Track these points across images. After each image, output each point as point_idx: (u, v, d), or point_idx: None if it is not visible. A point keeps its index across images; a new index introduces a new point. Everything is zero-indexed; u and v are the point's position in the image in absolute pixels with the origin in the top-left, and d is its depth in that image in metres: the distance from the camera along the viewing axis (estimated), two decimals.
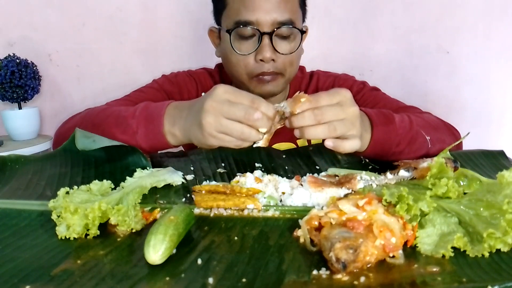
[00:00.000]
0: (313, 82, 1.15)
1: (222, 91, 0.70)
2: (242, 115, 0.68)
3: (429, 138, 0.85)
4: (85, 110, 1.00)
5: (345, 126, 0.69)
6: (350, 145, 0.71)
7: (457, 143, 0.87)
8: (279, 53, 0.96)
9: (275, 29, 0.94)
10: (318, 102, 0.68)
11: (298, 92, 0.70)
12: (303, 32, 0.98)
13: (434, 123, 0.96)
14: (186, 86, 1.13)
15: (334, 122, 0.68)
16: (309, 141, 1.11)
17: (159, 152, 0.94)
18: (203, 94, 0.84)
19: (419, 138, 0.85)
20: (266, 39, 0.94)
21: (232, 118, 0.69)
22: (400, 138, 0.81)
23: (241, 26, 0.95)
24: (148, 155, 0.88)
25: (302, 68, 1.18)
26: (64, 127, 1.00)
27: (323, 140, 0.87)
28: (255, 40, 0.96)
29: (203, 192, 0.67)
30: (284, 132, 1.10)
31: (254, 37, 0.96)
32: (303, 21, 1.07)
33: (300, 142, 1.11)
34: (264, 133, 0.71)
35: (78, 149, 0.86)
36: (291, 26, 0.96)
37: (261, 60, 0.95)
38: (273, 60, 0.96)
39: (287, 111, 0.69)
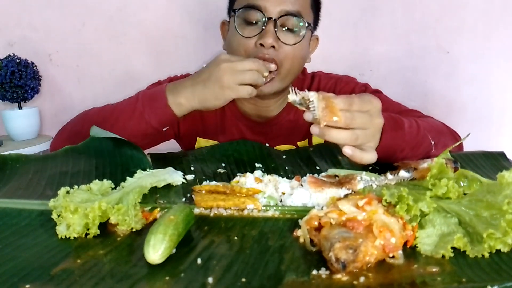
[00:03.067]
0: (315, 84, 1.14)
1: (226, 56, 0.88)
2: (253, 66, 0.86)
3: (433, 143, 0.85)
4: (76, 117, 1.04)
5: (366, 136, 0.67)
6: (368, 157, 0.69)
7: (457, 144, 0.87)
8: (281, 41, 0.95)
9: (281, 16, 0.94)
10: (351, 106, 0.65)
11: (332, 94, 0.65)
12: (309, 24, 0.97)
13: (438, 128, 0.95)
14: None
15: (357, 131, 0.66)
16: (309, 143, 1.11)
17: (159, 152, 0.94)
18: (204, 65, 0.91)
19: (424, 143, 0.84)
20: (270, 25, 0.93)
21: (246, 69, 0.85)
22: (406, 144, 0.80)
23: (247, 8, 0.95)
24: (149, 155, 0.89)
25: (303, 70, 1.17)
26: (61, 138, 1.03)
27: (324, 141, 0.85)
28: (260, 26, 0.95)
29: (203, 192, 0.67)
30: (285, 135, 1.11)
31: (259, 23, 0.95)
32: (315, 28, 1.07)
33: (301, 145, 1.11)
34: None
35: (79, 150, 0.87)
36: (299, 17, 0.95)
37: (261, 45, 0.94)
38: (273, 47, 0.94)
39: (313, 105, 0.63)
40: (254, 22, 0.95)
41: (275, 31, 0.94)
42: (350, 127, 0.65)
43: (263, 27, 0.94)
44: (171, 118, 0.90)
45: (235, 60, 0.86)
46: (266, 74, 0.89)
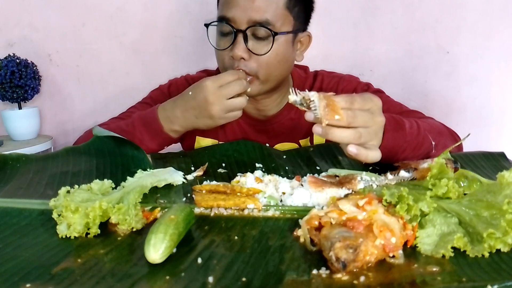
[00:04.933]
0: (317, 83, 1.14)
1: (210, 83, 0.88)
2: (240, 89, 0.89)
3: (434, 143, 0.85)
4: (82, 136, 1.08)
5: (369, 134, 0.67)
6: (373, 156, 0.69)
7: (457, 144, 0.87)
8: (252, 52, 0.94)
9: (248, 28, 0.93)
10: (352, 104, 0.65)
11: (332, 93, 0.65)
12: (275, 34, 0.94)
13: (438, 128, 0.95)
14: None
15: (360, 129, 0.65)
16: (311, 143, 1.11)
17: (160, 152, 0.95)
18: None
19: (425, 144, 0.84)
20: (239, 37, 0.93)
21: (233, 95, 0.88)
22: (407, 144, 0.80)
23: (219, 21, 0.96)
24: (149, 155, 0.89)
25: (305, 68, 1.17)
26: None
27: (326, 141, 0.84)
28: (232, 37, 0.94)
29: (204, 191, 0.67)
30: (287, 133, 1.11)
31: (232, 34, 0.94)
32: (305, 26, 1.05)
33: (303, 143, 1.11)
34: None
35: (80, 150, 0.87)
36: (264, 27, 0.93)
37: (232, 57, 0.95)
38: (243, 58, 0.94)
39: (314, 104, 0.63)
40: (227, 33, 0.96)
41: (245, 42, 0.93)
42: (352, 125, 0.64)
43: (234, 39, 0.94)
44: (169, 141, 0.98)
45: (220, 83, 0.88)
46: (249, 90, 0.92)
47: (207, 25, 0.98)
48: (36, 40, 1.87)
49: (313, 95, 0.63)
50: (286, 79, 1.07)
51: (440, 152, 0.84)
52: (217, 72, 1.17)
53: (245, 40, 0.93)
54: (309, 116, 0.64)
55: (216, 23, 0.97)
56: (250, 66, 0.95)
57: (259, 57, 0.94)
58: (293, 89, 0.65)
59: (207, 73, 1.18)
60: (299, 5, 0.99)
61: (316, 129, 0.64)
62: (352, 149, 0.65)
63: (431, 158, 0.84)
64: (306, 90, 0.65)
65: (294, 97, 0.65)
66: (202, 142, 1.11)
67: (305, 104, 0.64)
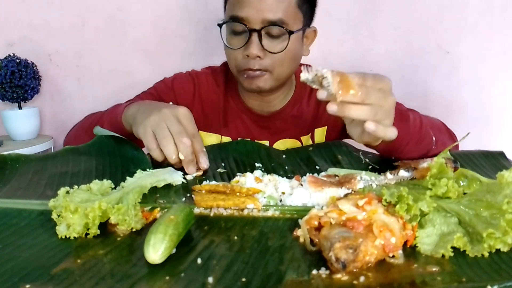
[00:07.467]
0: None
1: (183, 111, 0.82)
2: (176, 131, 0.79)
3: (435, 139, 0.85)
4: (76, 124, 1.15)
5: (383, 113, 0.66)
6: (391, 132, 0.67)
7: (457, 143, 0.87)
8: (267, 51, 0.95)
9: (263, 28, 0.94)
10: (365, 81, 0.63)
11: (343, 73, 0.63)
12: (291, 32, 0.95)
13: (438, 125, 0.96)
14: (183, 89, 1.13)
15: (375, 106, 0.64)
16: (312, 140, 1.12)
17: None
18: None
19: (426, 139, 0.85)
20: (253, 36, 0.94)
21: (169, 128, 0.79)
22: (410, 137, 0.80)
23: (232, 21, 0.96)
24: (148, 155, 0.89)
25: (311, 68, 1.18)
26: (69, 136, 1.16)
27: (325, 139, 0.83)
28: (245, 36, 0.96)
29: (203, 191, 0.67)
30: (289, 129, 1.12)
31: (245, 33, 0.96)
32: (310, 21, 1.06)
33: (304, 140, 1.12)
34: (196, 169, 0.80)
35: (79, 150, 0.88)
36: (280, 26, 0.94)
37: (247, 56, 0.96)
38: (259, 57, 0.95)
39: (327, 81, 0.61)
40: (240, 32, 0.96)
41: (260, 41, 0.94)
42: (366, 102, 0.63)
43: (248, 39, 0.95)
44: (121, 130, 0.92)
45: (184, 121, 0.81)
46: (181, 157, 0.78)
47: (220, 25, 0.99)
48: (36, 40, 1.87)
49: (326, 72, 0.62)
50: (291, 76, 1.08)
51: (439, 149, 0.84)
52: (222, 69, 1.17)
53: (260, 39, 0.94)
54: (321, 94, 0.63)
55: (226, 22, 0.98)
56: (265, 64, 0.96)
57: (273, 55, 0.96)
58: (305, 67, 0.64)
59: (212, 70, 1.18)
60: (307, 3, 1.02)
61: (331, 106, 0.62)
62: (370, 126, 0.64)
63: (431, 154, 0.84)
64: (319, 67, 0.63)
65: (306, 74, 0.64)
66: (205, 137, 1.11)
67: (317, 82, 0.63)
